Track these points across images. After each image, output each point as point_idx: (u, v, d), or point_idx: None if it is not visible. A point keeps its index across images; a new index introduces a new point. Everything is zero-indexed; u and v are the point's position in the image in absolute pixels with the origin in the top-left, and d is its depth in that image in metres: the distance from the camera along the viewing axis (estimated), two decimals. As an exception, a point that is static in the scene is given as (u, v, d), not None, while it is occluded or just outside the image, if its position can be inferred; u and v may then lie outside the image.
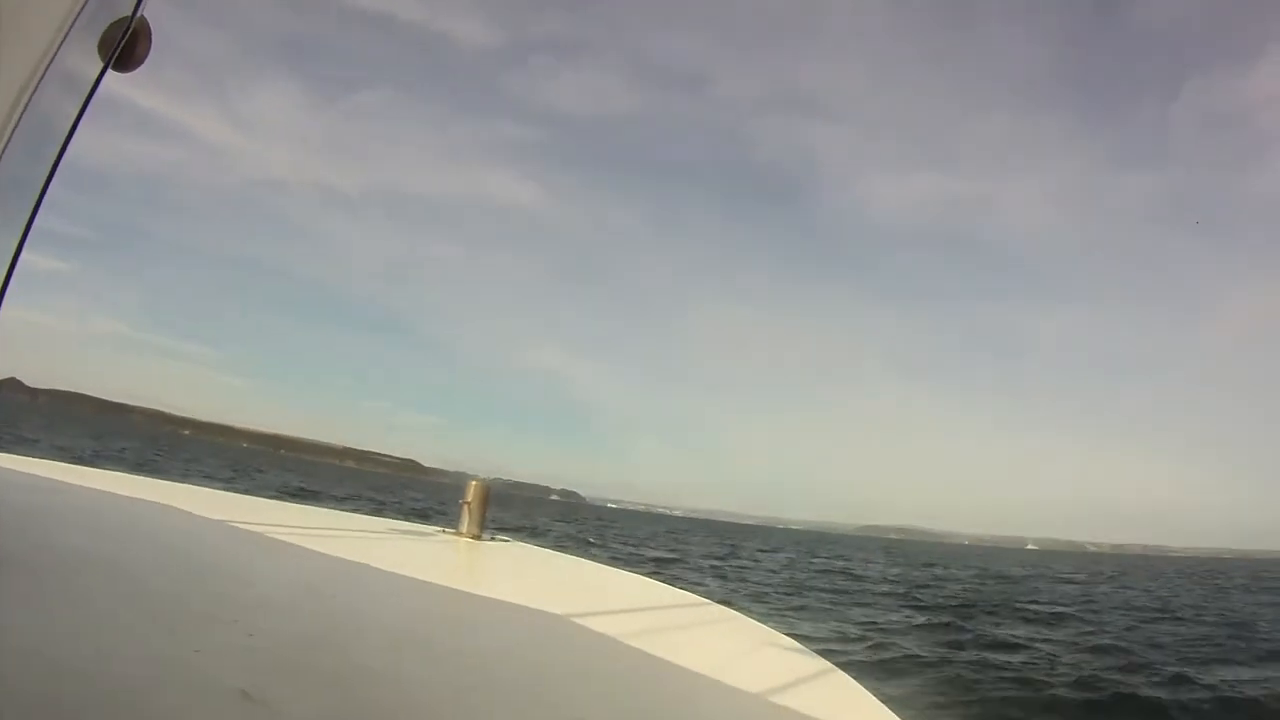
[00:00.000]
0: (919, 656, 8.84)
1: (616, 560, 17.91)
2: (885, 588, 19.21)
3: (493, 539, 4.68)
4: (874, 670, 7.57)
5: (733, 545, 36.32)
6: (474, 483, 4.67)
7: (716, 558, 24.80)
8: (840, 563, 30.59)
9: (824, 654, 2.85)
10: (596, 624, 2.72)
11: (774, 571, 21.83)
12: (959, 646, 9.86)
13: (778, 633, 3.01)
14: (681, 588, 3.94)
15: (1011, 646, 10.13)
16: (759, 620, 3.23)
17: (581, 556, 5.28)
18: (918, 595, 17.34)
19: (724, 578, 17.90)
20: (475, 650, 2.26)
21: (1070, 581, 28.73)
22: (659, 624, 2.98)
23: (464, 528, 4.48)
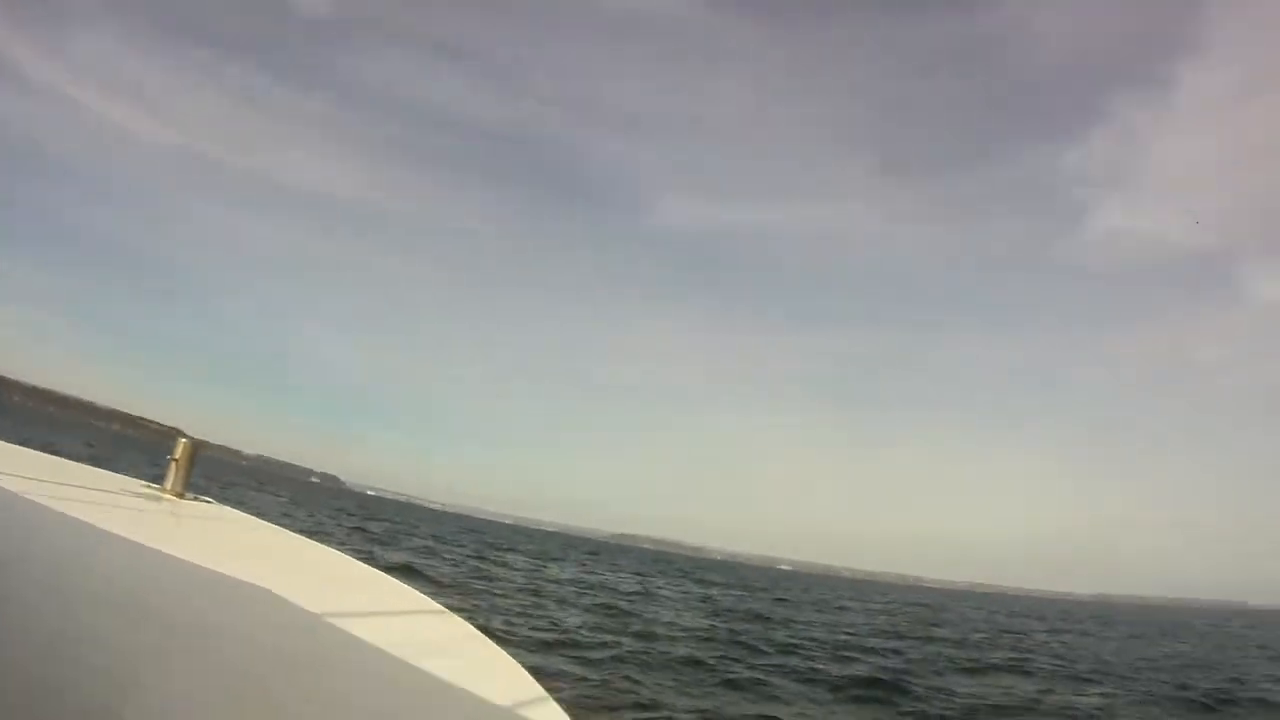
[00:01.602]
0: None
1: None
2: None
3: (195, 499, 4.85)
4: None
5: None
6: (183, 440, 4.89)
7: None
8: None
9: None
10: (275, 586, 2.80)
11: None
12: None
13: (427, 598, 3.22)
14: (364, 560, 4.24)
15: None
16: (414, 587, 3.44)
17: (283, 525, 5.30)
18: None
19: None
20: (160, 608, 2.27)
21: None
22: (318, 584, 3.24)
23: (169, 484, 4.71)
